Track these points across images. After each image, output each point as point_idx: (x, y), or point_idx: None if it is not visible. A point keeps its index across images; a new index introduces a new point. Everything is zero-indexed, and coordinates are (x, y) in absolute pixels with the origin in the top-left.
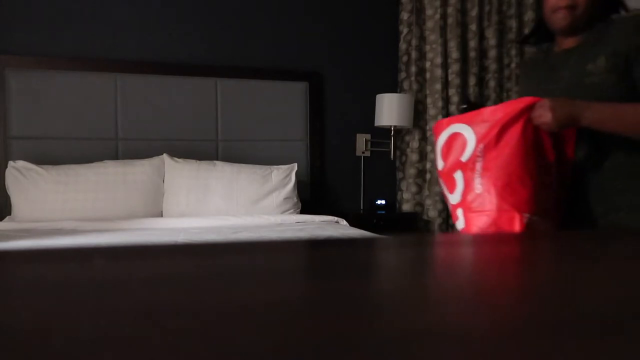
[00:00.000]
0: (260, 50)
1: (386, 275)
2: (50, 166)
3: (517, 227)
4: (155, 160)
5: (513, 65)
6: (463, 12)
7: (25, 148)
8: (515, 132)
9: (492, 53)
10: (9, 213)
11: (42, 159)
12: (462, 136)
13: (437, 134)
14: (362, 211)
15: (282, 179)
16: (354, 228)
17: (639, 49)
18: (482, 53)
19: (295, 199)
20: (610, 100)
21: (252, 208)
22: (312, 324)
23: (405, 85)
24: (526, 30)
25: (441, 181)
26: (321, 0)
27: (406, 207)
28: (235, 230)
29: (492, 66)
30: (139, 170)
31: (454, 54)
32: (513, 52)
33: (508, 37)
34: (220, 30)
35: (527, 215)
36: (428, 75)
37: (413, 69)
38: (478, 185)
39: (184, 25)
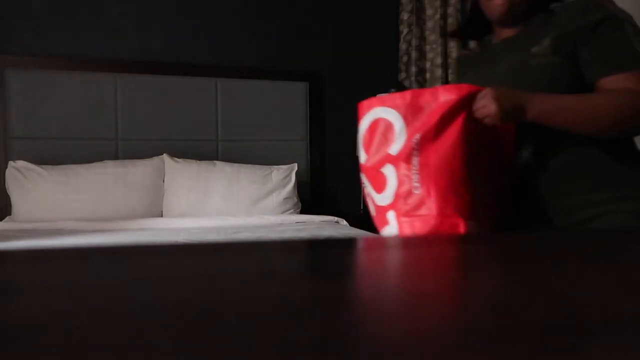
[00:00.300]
0: (261, 50)
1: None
2: (50, 166)
3: None
4: (155, 160)
5: None
6: (463, 12)
7: (25, 148)
8: (457, 125)
9: None
10: (9, 213)
11: (43, 159)
12: (387, 122)
13: (359, 118)
14: (362, 211)
15: (282, 179)
16: (354, 228)
17: (586, 33)
18: None
19: (295, 199)
20: (557, 84)
21: (252, 208)
22: (310, 324)
23: (405, 85)
24: None
25: (364, 177)
26: (321, 0)
27: None
28: (235, 230)
29: None
30: (139, 170)
31: (454, 54)
32: None
33: None
34: (220, 30)
35: (470, 222)
36: (428, 75)
37: (413, 69)
38: (415, 184)
39: (184, 25)
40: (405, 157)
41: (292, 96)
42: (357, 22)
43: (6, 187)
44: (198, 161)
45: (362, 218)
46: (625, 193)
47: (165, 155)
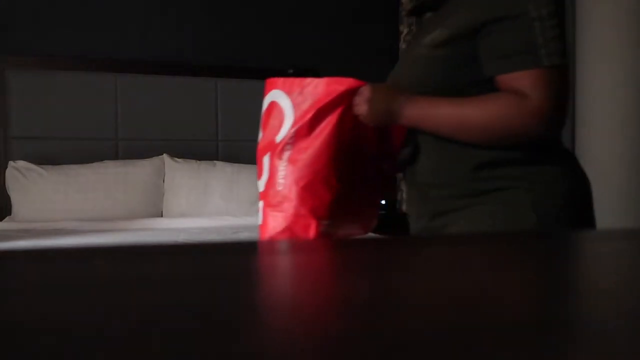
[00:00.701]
0: (260, 50)
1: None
2: (50, 166)
3: (311, 235)
4: (155, 160)
5: None
6: None
7: (25, 148)
8: (330, 121)
9: None
10: (9, 213)
11: (43, 159)
12: (279, 108)
13: (264, 95)
14: None
15: None
16: None
17: (487, 23)
18: None
19: None
20: (431, 76)
21: (252, 208)
22: (314, 324)
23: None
24: None
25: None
26: (321, 1)
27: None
28: (235, 230)
29: None
30: (139, 170)
31: None
32: None
33: None
34: (220, 30)
35: (325, 222)
36: None
37: None
38: (280, 180)
39: (184, 25)
40: (279, 149)
41: None
42: (357, 22)
43: (6, 187)
44: (198, 161)
45: None
46: (489, 200)
47: (165, 155)
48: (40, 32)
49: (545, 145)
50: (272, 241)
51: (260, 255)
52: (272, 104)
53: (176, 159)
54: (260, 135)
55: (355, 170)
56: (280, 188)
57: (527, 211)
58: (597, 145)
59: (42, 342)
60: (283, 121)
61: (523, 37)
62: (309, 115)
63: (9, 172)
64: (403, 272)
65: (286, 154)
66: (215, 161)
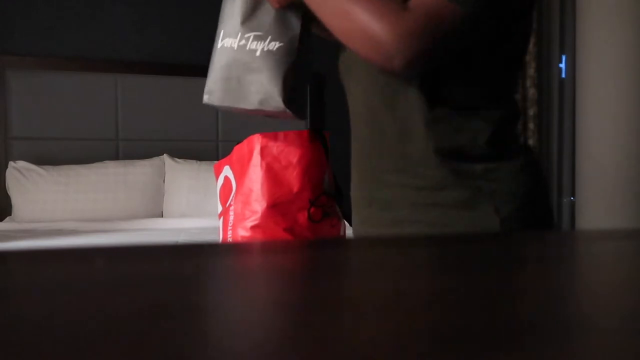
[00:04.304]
0: None
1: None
2: (50, 166)
3: None
4: (156, 160)
5: None
6: None
7: (25, 148)
8: (254, 167)
9: None
10: (10, 213)
11: (43, 160)
12: (229, 180)
13: (216, 176)
14: None
15: None
16: None
17: None
18: None
19: None
20: None
21: None
22: (308, 326)
23: None
24: None
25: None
26: None
27: None
28: None
29: None
30: (139, 171)
31: None
32: None
33: None
34: None
35: None
36: None
37: None
38: (229, 240)
39: (184, 25)
40: (228, 209)
41: None
42: None
43: (6, 187)
44: (198, 161)
45: None
46: (450, 199)
47: (165, 156)
48: (40, 32)
49: (503, 139)
50: (273, 242)
51: (260, 255)
52: (225, 179)
53: (176, 159)
54: (220, 209)
55: (286, 205)
56: (230, 239)
57: (490, 215)
58: (597, 145)
59: (42, 342)
60: (231, 188)
61: None
62: (240, 173)
63: (9, 172)
64: (395, 273)
65: (232, 209)
66: (215, 161)
